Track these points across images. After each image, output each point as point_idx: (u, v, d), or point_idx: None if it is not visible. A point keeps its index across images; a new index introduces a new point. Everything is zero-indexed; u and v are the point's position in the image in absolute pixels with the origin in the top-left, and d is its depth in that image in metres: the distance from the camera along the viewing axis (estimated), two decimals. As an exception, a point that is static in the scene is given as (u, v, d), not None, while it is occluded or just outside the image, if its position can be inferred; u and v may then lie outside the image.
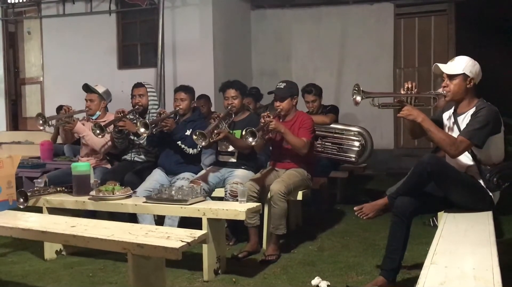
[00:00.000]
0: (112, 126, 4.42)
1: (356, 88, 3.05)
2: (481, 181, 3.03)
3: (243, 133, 3.84)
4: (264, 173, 4.30)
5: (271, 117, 4.01)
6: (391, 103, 3.20)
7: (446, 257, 2.20)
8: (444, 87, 3.10)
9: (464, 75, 3.04)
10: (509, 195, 3.25)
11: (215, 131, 4.02)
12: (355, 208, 3.30)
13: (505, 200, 3.33)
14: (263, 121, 3.97)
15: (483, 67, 3.12)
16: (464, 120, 3.07)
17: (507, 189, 3.08)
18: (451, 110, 3.21)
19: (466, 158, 3.09)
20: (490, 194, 3.03)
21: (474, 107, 3.04)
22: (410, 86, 3.10)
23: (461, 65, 3.07)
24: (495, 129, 2.98)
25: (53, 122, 4.73)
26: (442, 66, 3.11)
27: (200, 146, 4.22)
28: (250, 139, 3.79)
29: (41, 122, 4.51)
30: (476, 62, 3.10)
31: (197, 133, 3.89)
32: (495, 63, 8.52)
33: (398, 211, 3.01)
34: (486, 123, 2.94)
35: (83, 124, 4.76)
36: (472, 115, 3.02)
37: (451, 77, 3.07)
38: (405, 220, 2.99)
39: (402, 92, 3.11)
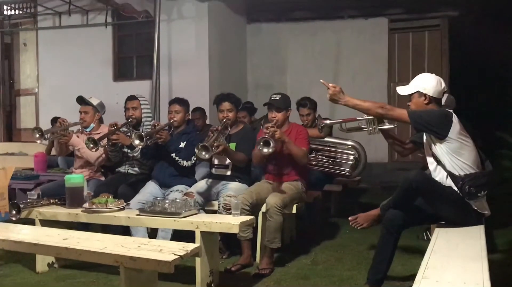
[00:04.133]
0: (105, 139, 4.42)
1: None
2: None
3: (257, 143, 3.84)
4: (257, 186, 4.29)
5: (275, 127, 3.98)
6: (358, 127, 3.63)
7: (437, 271, 2.21)
8: (408, 105, 3.26)
9: (418, 92, 3.17)
10: (502, 209, 3.26)
11: (215, 144, 4.02)
12: (349, 218, 3.41)
13: (498, 214, 3.34)
14: (267, 131, 3.90)
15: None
16: None
17: (500, 203, 3.09)
18: None
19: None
20: (474, 207, 3.05)
21: None
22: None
23: (415, 83, 3.22)
24: (438, 125, 3.01)
25: (49, 135, 4.73)
26: (398, 89, 3.32)
27: (204, 158, 4.10)
28: (265, 150, 3.79)
29: (37, 135, 4.51)
30: (434, 76, 3.20)
31: (199, 146, 3.84)
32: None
33: (388, 224, 3.09)
34: (429, 112, 3.07)
35: (78, 137, 4.76)
36: None
37: (409, 96, 3.24)
38: (394, 233, 3.08)
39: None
